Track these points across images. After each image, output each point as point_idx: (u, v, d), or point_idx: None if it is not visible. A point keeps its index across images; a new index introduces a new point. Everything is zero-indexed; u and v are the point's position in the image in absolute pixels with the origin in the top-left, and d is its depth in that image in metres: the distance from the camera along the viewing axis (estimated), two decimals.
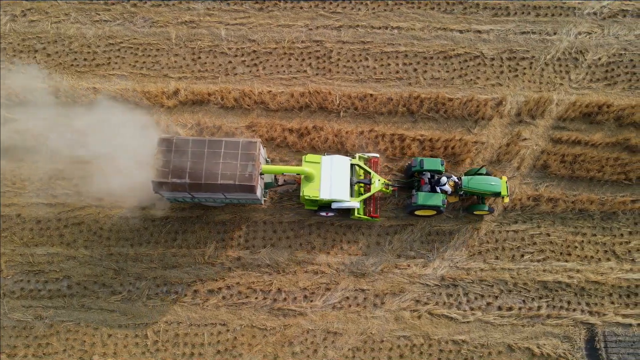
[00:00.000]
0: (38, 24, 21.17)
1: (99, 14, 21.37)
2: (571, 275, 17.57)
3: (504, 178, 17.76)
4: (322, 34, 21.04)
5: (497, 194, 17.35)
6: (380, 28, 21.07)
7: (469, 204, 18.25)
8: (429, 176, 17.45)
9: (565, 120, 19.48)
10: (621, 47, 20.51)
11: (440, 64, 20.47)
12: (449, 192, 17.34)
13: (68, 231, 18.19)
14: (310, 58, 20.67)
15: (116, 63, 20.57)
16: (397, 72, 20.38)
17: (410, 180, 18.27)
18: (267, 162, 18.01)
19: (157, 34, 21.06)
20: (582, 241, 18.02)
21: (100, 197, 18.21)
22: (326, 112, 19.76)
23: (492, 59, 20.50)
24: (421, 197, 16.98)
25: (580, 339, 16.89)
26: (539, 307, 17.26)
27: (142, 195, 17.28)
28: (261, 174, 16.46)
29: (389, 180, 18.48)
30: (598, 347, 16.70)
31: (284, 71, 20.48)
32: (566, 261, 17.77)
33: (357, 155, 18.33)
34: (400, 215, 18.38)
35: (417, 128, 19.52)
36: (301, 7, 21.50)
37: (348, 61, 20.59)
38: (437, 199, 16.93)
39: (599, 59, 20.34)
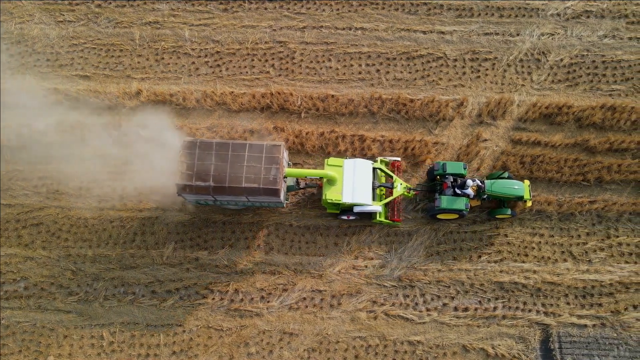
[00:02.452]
0: (3, 24, 21.13)
1: (63, 15, 21.36)
2: (528, 276, 17.61)
3: (527, 182, 17.69)
4: (286, 34, 21.05)
5: (520, 198, 17.30)
6: (344, 29, 21.09)
7: (491, 208, 18.15)
8: (452, 180, 17.41)
9: (526, 121, 19.52)
10: (584, 48, 20.55)
11: (403, 65, 20.49)
12: (472, 196, 17.26)
13: (26, 232, 18.19)
14: (273, 59, 20.68)
15: (79, 64, 20.56)
16: (360, 72, 20.40)
17: (432, 183, 18.17)
18: (289, 165, 17.94)
19: (121, 34, 21.05)
20: (540, 242, 18.06)
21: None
22: (287, 113, 19.77)
23: (455, 60, 20.53)
24: (444, 201, 16.95)
25: (535, 339, 16.93)
26: (495, 308, 17.30)
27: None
28: (284, 177, 16.39)
29: (411, 184, 18.45)
30: (552, 347, 16.75)
31: (247, 72, 20.49)
32: (523, 262, 17.81)
33: (378, 158, 18.24)
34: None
35: (377, 129, 19.54)
36: (266, 8, 21.50)
37: (311, 62, 20.61)
38: (460, 203, 16.91)
39: (561, 60, 20.38)
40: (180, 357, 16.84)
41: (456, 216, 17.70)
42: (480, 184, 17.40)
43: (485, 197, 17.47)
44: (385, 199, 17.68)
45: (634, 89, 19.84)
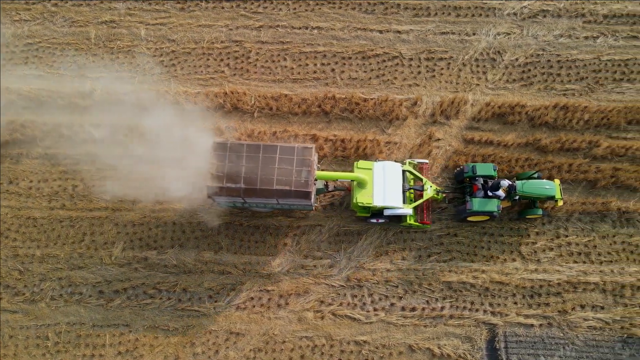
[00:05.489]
0: None
1: (19, 14, 21.29)
2: (476, 275, 17.58)
3: (557, 181, 17.58)
4: (242, 34, 21.01)
5: (552, 198, 17.19)
6: (300, 28, 21.05)
7: (521, 208, 18.02)
8: (482, 182, 17.32)
9: (479, 120, 19.49)
10: (539, 47, 20.53)
11: (358, 64, 20.46)
12: (502, 197, 17.15)
13: None
14: (228, 58, 20.64)
15: (33, 63, 20.49)
16: (315, 72, 20.36)
17: (462, 186, 18.06)
18: (318, 167, 17.75)
19: (77, 33, 20.99)
20: (489, 241, 18.03)
21: None
22: (241, 112, 19.73)
23: (411, 60, 20.50)
24: (476, 203, 16.85)
25: (481, 339, 16.90)
26: (442, 308, 17.27)
27: None
28: (315, 179, 16.25)
29: (439, 186, 18.37)
30: (498, 347, 16.71)
31: (202, 71, 20.44)
32: (472, 261, 17.78)
33: (407, 161, 18.13)
34: (309, 215, 18.35)
35: (330, 128, 19.50)
36: (222, 7, 21.45)
37: (266, 61, 20.56)
38: (492, 205, 16.82)
39: (517, 59, 20.36)
40: (126, 358, 16.78)
41: (487, 218, 17.56)
42: (511, 184, 17.26)
43: (516, 197, 17.30)
44: (415, 201, 17.56)
45: (588, 89, 19.83)
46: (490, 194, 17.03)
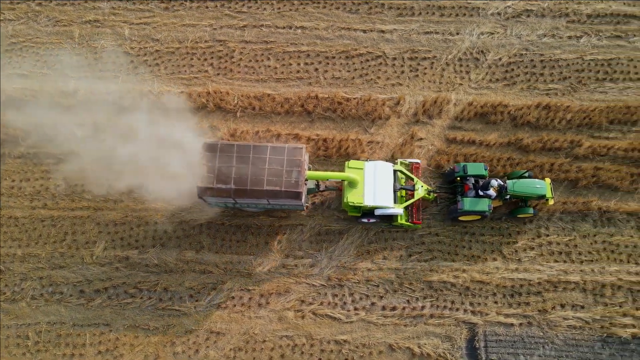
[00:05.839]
0: None
1: (4, 13, 21.29)
2: (457, 275, 17.59)
3: (548, 180, 17.60)
4: (226, 33, 21.01)
5: (543, 197, 17.21)
6: (284, 28, 21.05)
7: (512, 208, 18.04)
8: (473, 181, 17.34)
9: (462, 120, 19.51)
10: (522, 47, 20.55)
11: (341, 64, 20.47)
12: (493, 197, 17.16)
13: None
14: (212, 58, 20.64)
15: (17, 62, 20.48)
16: (298, 71, 20.37)
17: (453, 186, 18.07)
18: (309, 168, 17.75)
19: (61, 33, 20.99)
20: (471, 241, 18.05)
21: None
22: (224, 112, 19.74)
23: (394, 59, 20.51)
24: (467, 203, 16.89)
25: (461, 338, 16.91)
26: (423, 307, 17.28)
27: None
28: (305, 180, 16.24)
29: (432, 186, 18.38)
30: (477, 346, 16.73)
31: (185, 71, 20.45)
32: (453, 261, 17.80)
33: (398, 160, 18.11)
34: (291, 215, 18.36)
35: (313, 128, 19.51)
36: (207, 7, 21.46)
37: (250, 61, 20.57)
38: (483, 204, 16.85)
39: (500, 59, 20.38)
40: (106, 357, 16.78)
41: (478, 217, 17.60)
42: (502, 184, 17.30)
43: (507, 197, 17.31)
44: (406, 201, 17.55)
45: (571, 88, 19.85)
46: (481, 193, 17.04)
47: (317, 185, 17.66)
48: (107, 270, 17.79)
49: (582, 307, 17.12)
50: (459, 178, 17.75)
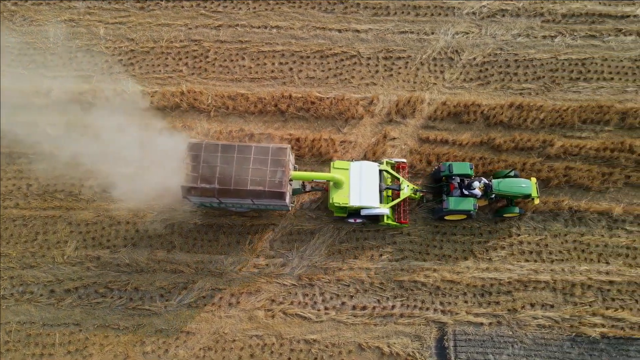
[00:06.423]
0: None
1: None
2: (428, 274, 17.60)
3: (534, 179, 17.61)
4: (201, 33, 21.01)
5: (528, 196, 17.24)
6: (259, 27, 21.05)
7: (498, 207, 18.07)
8: (459, 180, 17.34)
9: (435, 119, 19.52)
10: (497, 46, 20.57)
11: (316, 63, 20.47)
12: (479, 196, 17.16)
13: None
14: (187, 57, 20.63)
15: None
16: (273, 71, 20.37)
17: (439, 185, 18.04)
18: (295, 168, 17.72)
19: (36, 32, 20.97)
20: (442, 240, 18.07)
21: None
22: (198, 111, 19.72)
23: (369, 59, 20.52)
24: (452, 202, 16.88)
25: (430, 337, 16.92)
26: (393, 307, 17.29)
27: None
28: (290, 180, 16.22)
29: (417, 185, 18.34)
30: (446, 345, 16.74)
31: (160, 70, 20.44)
32: (424, 260, 17.81)
33: (384, 160, 18.06)
34: (263, 214, 18.36)
35: (286, 127, 19.51)
36: (182, 7, 21.45)
37: (225, 61, 20.56)
38: (468, 204, 16.85)
39: (474, 58, 20.39)
40: (75, 357, 16.76)
41: (464, 217, 17.59)
42: (487, 183, 17.30)
43: (493, 196, 17.31)
44: (392, 201, 17.52)
45: (544, 88, 19.88)
46: (466, 192, 17.05)
47: (303, 186, 17.63)
48: (78, 269, 17.77)
49: (552, 306, 17.15)
50: (445, 177, 17.73)
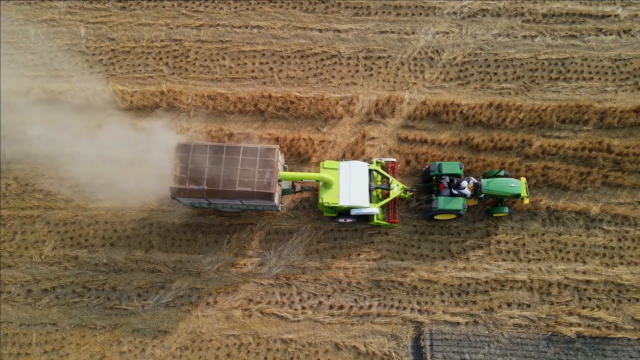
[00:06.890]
0: None
1: None
2: (405, 274, 17.62)
3: (523, 179, 17.62)
4: (182, 32, 21.01)
5: (517, 196, 17.23)
6: (240, 27, 21.07)
7: (488, 207, 18.08)
8: (448, 180, 17.35)
9: (415, 119, 19.54)
10: (477, 46, 20.59)
11: (296, 63, 20.49)
12: (469, 196, 17.16)
13: None
14: (167, 57, 20.64)
15: None
16: (253, 71, 20.38)
17: (429, 184, 18.05)
18: (284, 168, 17.70)
19: (16, 32, 20.96)
20: (420, 240, 18.08)
21: None
22: (177, 111, 19.73)
23: (349, 58, 20.54)
24: (441, 202, 16.86)
25: (407, 337, 16.94)
26: (370, 306, 17.30)
27: None
28: (279, 180, 16.22)
29: (407, 185, 18.32)
30: (423, 345, 16.76)
31: (140, 70, 20.44)
32: (402, 260, 17.83)
33: (374, 160, 18.07)
34: (241, 214, 18.37)
35: (266, 127, 19.52)
36: (164, 6, 21.46)
37: (205, 60, 20.57)
38: (458, 203, 16.84)
39: (454, 58, 20.41)
40: (52, 356, 16.76)
41: (454, 217, 17.58)
42: (477, 182, 17.30)
43: (482, 196, 17.32)
44: (382, 200, 17.54)
45: (524, 87, 19.91)
46: (455, 192, 17.07)
47: (293, 186, 17.61)
48: (55, 269, 17.77)
49: (529, 305, 17.18)
50: (434, 177, 17.74)
